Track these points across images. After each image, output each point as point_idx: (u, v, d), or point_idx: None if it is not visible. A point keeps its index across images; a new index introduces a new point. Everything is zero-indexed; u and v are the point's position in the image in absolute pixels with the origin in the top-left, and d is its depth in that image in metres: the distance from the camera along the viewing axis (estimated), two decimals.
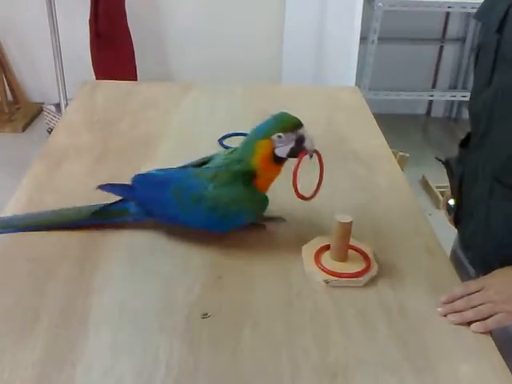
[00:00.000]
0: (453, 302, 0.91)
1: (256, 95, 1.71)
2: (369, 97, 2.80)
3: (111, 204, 1.08)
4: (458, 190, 1.10)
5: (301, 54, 3.09)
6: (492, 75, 0.94)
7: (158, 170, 1.10)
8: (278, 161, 1.01)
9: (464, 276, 1.06)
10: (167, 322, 0.87)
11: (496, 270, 0.93)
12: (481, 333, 0.87)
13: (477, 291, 0.91)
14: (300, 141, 0.99)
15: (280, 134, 0.98)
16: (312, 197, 1.04)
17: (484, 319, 0.88)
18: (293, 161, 1.01)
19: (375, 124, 1.56)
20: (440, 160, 1.20)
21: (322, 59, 3.09)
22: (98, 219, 1.07)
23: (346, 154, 1.39)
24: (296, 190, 1.01)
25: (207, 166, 1.06)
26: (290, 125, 0.99)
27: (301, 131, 0.99)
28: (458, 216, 1.12)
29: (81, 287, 0.94)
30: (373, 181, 1.28)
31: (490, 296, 0.89)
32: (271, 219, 1.11)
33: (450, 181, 1.17)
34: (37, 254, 1.01)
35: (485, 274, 0.95)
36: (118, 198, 1.10)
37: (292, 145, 0.99)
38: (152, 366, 0.80)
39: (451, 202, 1.20)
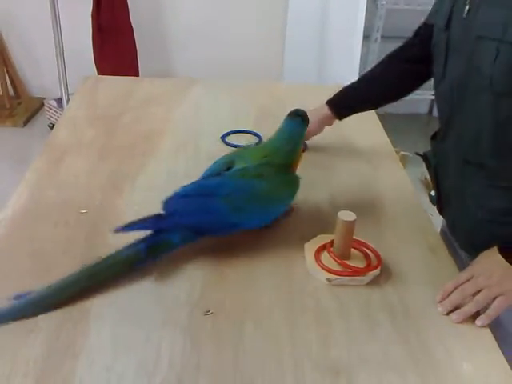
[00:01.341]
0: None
1: (258, 93, 1.71)
2: None
3: (149, 242, 0.96)
4: (435, 180, 1.15)
5: (303, 51, 3.08)
6: (445, 68, 1.03)
7: (186, 186, 1.03)
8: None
9: (454, 256, 1.08)
10: (170, 318, 0.87)
11: (479, 256, 0.96)
12: (482, 327, 0.88)
13: (468, 280, 0.92)
14: None
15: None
16: None
17: (483, 309, 0.89)
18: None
19: (378, 122, 1.55)
20: (418, 154, 1.23)
21: (324, 57, 3.08)
22: (147, 261, 0.97)
23: (349, 152, 1.39)
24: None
25: (243, 165, 1.03)
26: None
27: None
28: (439, 204, 1.17)
29: None
30: (376, 179, 1.28)
31: (480, 283, 0.90)
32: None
33: (430, 173, 1.20)
34: (39, 249, 1.01)
35: (475, 255, 0.98)
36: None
37: None
38: (154, 362, 0.80)
39: (433, 193, 1.23)
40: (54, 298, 0.89)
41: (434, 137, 1.16)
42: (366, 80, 1.32)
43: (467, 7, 0.96)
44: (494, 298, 0.89)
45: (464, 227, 1.08)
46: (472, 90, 0.97)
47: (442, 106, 1.08)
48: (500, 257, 0.92)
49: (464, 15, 0.97)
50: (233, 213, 0.99)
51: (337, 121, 1.35)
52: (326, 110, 1.33)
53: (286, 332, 0.86)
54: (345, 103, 1.33)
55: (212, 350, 0.82)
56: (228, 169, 1.05)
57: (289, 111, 1.10)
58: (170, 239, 0.98)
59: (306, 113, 1.11)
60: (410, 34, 1.28)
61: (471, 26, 0.94)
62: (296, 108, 1.12)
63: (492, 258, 0.93)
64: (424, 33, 1.16)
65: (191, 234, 0.99)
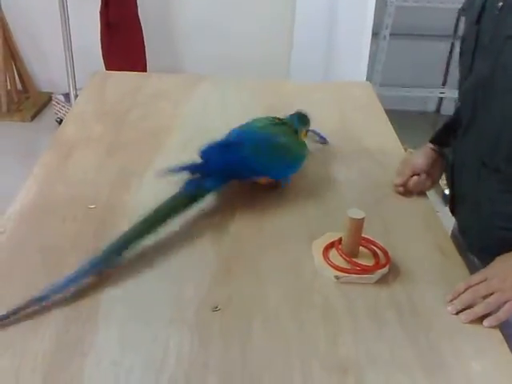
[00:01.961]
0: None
1: (266, 90, 1.70)
2: (379, 93, 2.78)
3: (188, 188, 1.08)
4: (450, 178, 1.13)
5: (311, 48, 3.07)
6: (472, 64, 1.00)
7: (218, 140, 1.17)
8: None
9: (464, 261, 1.06)
10: (177, 315, 0.87)
11: (496, 259, 0.94)
12: (492, 328, 0.87)
13: (480, 282, 0.91)
14: None
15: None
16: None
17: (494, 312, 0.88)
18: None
19: (387, 120, 1.55)
20: (436, 151, 1.21)
21: (332, 54, 3.07)
22: (192, 206, 1.08)
23: (358, 150, 1.38)
24: None
25: (268, 121, 1.21)
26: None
27: None
28: (452, 204, 1.15)
29: (91, 278, 0.93)
30: (384, 177, 1.27)
31: (494, 285, 0.89)
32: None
33: (445, 171, 1.19)
34: (48, 244, 1.01)
35: (483, 259, 0.97)
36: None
37: None
38: (162, 359, 0.80)
39: (447, 191, 1.22)
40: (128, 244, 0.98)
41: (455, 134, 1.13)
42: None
43: (500, 4, 0.93)
44: (505, 302, 0.87)
45: (476, 230, 1.06)
46: (497, 90, 0.94)
47: (465, 103, 1.05)
48: None
49: (496, 12, 0.94)
50: (257, 160, 1.12)
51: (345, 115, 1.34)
52: (430, 147, 1.23)
53: (294, 329, 0.86)
54: (447, 137, 1.21)
55: (219, 347, 0.82)
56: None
57: (295, 109, 1.15)
58: (203, 185, 1.09)
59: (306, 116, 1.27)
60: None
61: (502, 24, 0.92)
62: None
63: (508, 262, 0.92)
64: None
65: (220, 180, 1.12)
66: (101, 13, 2.93)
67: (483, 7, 0.98)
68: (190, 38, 3.34)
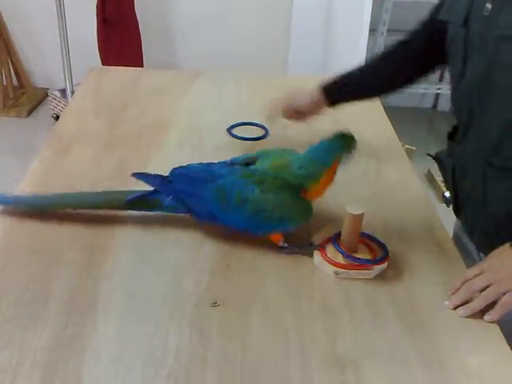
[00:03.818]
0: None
1: (263, 85, 1.69)
2: None
3: (144, 194, 1.05)
4: (451, 181, 1.12)
5: (308, 44, 3.07)
6: (464, 67, 0.99)
7: (198, 164, 1.06)
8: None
9: (467, 259, 1.06)
10: (176, 310, 0.87)
11: (491, 253, 0.94)
12: (490, 323, 0.87)
13: (477, 276, 0.90)
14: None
15: (347, 155, 1.02)
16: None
17: (492, 305, 0.88)
18: None
19: (385, 115, 1.55)
20: (430, 155, 1.21)
21: (330, 50, 3.07)
22: (131, 208, 1.06)
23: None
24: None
25: (254, 167, 1.02)
26: (354, 145, 1.02)
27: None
28: (456, 206, 1.14)
29: (89, 274, 0.93)
30: (382, 173, 1.27)
31: (489, 277, 0.89)
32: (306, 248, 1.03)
33: (443, 174, 1.18)
34: (46, 241, 1.01)
35: None
36: (130, 185, 1.09)
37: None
38: (161, 354, 0.79)
39: (447, 194, 1.21)
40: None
41: (450, 137, 1.11)
42: (364, 70, 1.28)
43: (489, 6, 0.91)
44: (503, 294, 0.87)
45: (484, 230, 1.04)
46: (495, 91, 0.92)
47: (461, 105, 1.02)
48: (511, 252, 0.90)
49: (485, 13, 0.91)
50: (221, 207, 0.99)
51: (342, 110, 1.30)
52: (319, 95, 1.27)
53: (293, 325, 0.86)
54: (339, 91, 1.28)
55: (219, 343, 0.82)
56: (247, 164, 1.03)
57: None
58: (162, 201, 1.04)
59: (351, 137, 1.01)
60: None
61: (493, 25, 0.90)
62: (343, 130, 1.01)
63: (503, 254, 0.92)
64: (430, 27, 1.12)
65: (180, 206, 1.04)
66: (97, 8, 2.91)
67: (469, 9, 0.95)
68: (187, 33, 3.33)
